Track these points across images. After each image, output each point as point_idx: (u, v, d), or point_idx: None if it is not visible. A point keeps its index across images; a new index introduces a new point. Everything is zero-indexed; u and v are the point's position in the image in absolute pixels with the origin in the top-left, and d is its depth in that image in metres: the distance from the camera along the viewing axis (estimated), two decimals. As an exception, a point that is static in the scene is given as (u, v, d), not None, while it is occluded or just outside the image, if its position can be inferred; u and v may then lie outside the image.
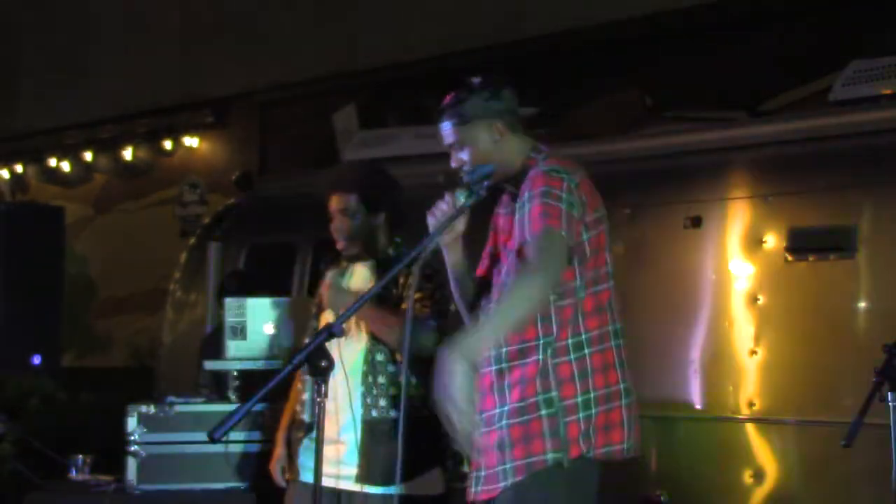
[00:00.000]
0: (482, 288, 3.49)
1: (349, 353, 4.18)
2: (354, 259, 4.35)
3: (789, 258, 4.92)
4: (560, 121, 7.64)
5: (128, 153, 10.98)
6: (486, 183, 3.34)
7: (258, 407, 4.67)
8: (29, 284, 6.24)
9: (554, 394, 3.24)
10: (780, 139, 5.28)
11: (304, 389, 4.30)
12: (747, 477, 4.91)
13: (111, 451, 5.29)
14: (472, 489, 3.33)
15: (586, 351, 3.27)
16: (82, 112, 11.30)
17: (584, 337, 3.28)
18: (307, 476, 4.22)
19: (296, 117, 9.87)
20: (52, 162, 11.54)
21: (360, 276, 4.33)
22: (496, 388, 3.29)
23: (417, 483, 4.12)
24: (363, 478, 4.12)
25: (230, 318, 5.04)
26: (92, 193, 11.51)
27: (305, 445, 4.25)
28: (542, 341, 3.25)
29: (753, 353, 4.95)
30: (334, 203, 4.32)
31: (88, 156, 11.30)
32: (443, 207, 3.37)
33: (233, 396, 4.90)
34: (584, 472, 3.27)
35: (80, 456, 5.09)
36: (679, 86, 7.42)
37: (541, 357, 3.25)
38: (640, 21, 7.58)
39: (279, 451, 4.38)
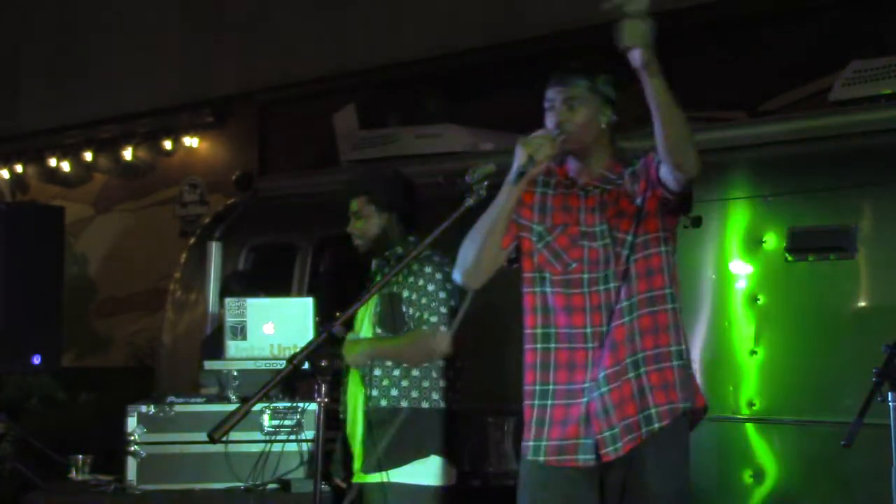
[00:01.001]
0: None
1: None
2: (370, 256, 4.54)
3: (789, 258, 4.92)
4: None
5: (128, 153, 10.98)
6: (486, 182, 3.35)
7: (258, 407, 4.67)
8: (29, 284, 6.24)
9: (683, 347, 3.51)
10: (780, 139, 5.27)
11: (342, 391, 4.47)
12: (747, 477, 4.91)
13: (111, 451, 5.29)
14: (608, 448, 3.43)
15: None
16: (82, 112, 11.30)
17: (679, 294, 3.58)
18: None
19: (296, 117, 9.87)
20: (52, 162, 11.54)
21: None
22: (627, 335, 3.45)
23: (409, 470, 4.22)
24: (363, 468, 4.29)
25: (230, 318, 5.04)
26: (92, 193, 11.51)
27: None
28: (669, 290, 3.50)
29: (753, 353, 4.95)
30: (352, 206, 4.52)
31: (88, 156, 11.30)
32: (539, 138, 3.46)
33: (233, 396, 4.89)
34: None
35: (80, 456, 5.08)
36: (679, 86, 7.41)
37: (670, 306, 3.49)
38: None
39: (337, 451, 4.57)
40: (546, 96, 3.61)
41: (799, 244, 4.89)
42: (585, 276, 3.50)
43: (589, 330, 3.48)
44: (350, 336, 4.43)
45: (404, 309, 4.29)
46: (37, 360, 6.20)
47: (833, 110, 5.25)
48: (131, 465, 4.76)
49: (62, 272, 6.74)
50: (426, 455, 4.26)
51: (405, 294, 4.31)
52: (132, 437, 4.77)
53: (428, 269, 4.34)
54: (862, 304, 4.82)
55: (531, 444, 3.53)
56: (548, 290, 3.55)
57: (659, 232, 3.51)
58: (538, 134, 3.46)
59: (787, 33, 7.15)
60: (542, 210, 3.61)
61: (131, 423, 4.79)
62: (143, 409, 4.82)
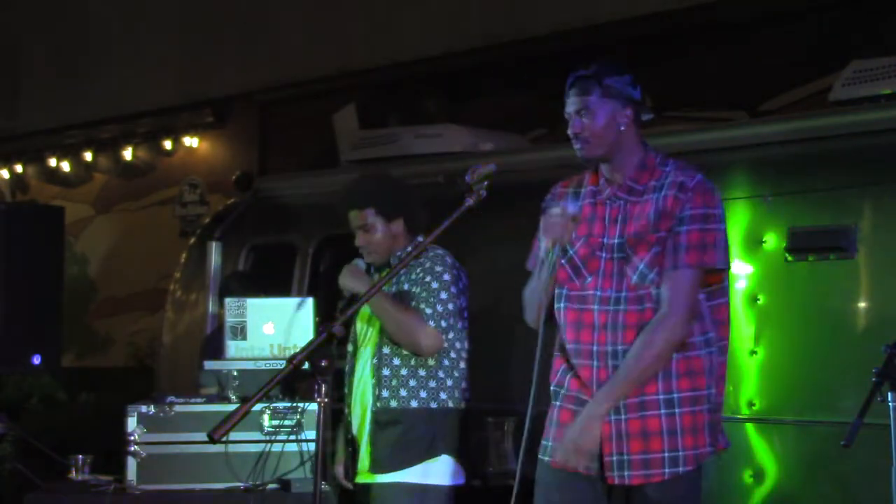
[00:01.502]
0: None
1: (365, 348, 4.40)
2: (382, 268, 4.46)
3: (789, 258, 4.92)
4: (560, 120, 7.64)
5: (128, 153, 10.98)
6: (486, 182, 3.34)
7: (258, 407, 4.66)
8: (29, 284, 6.24)
9: (713, 391, 3.46)
10: (780, 139, 5.27)
11: (347, 389, 4.49)
12: (747, 477, 4.91)
13: (111, 451, 5.29)
14: (614, 473, 3.41)
15: (721, 357, 3.54)
16: (82, 112, 11.30)
17: (723, 343, 3.55)
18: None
19: (296, 117, 9.87)
20: (52, 162, 11.54)
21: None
22: (661, 373, 3.41)
23: (421, 470, 4.22)
24: (371, 467, 4.29)
25: (230, 318, 5.04)
26: (92, 193, 11.51)
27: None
28: (702, 338, 3.45)
29: (753, 353, 4.95)
30: (353, 220, 4.43)
31: (88, 156, 11.30)
32: (558, 221, 3.47)
33: (233, 396, 4.89)
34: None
35: (80, 456, 5.08)
36: (679, 86, 7.42)
37: (705, 351, 3.44)
38: (640, 21, 7.58)
39: (340, 452, 4.56)
40: (565, 103, 3.59)
41: (799, 244, 4.89)
42: (598, 293, 3.46)
43: (595, 348, 3.46)
44: (358, 264, 4.40)
45: (412, 304, 4.29)
46: (37, 360, 6.19)
47: (833, 110, 5.25)
48: (131, 465, 4.76)
49: (62, 272, 6.73)
50: (436, 455, 4.27)
51: (412, 290, 4.32)
52: (132, 437, 4.77)
53: (438, 268, 4.33)
54: (862, 304, 4.81)
55: (542, 442, 3.57)
56: (562, 305, 3.55)
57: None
58: (555, 217, 3.47)
59: (787, 33, 7.15)
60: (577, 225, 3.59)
61: (131, 423, 4.78)
62: (143, 409, 4.81)
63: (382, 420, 4.28)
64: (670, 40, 7.47)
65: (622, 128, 3.49)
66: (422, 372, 4.30)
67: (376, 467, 4.27)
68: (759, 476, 4.89)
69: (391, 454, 4.24)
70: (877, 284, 4.78)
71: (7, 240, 6.18)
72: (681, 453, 3.38)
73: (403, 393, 4.27)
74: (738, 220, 5.12)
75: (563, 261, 3.52)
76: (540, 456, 3.55)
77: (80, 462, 5.05)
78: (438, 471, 4.28)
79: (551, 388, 3.57)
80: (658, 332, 3.34)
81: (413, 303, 4.29)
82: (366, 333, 4.46)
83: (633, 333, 3.40)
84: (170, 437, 4.80)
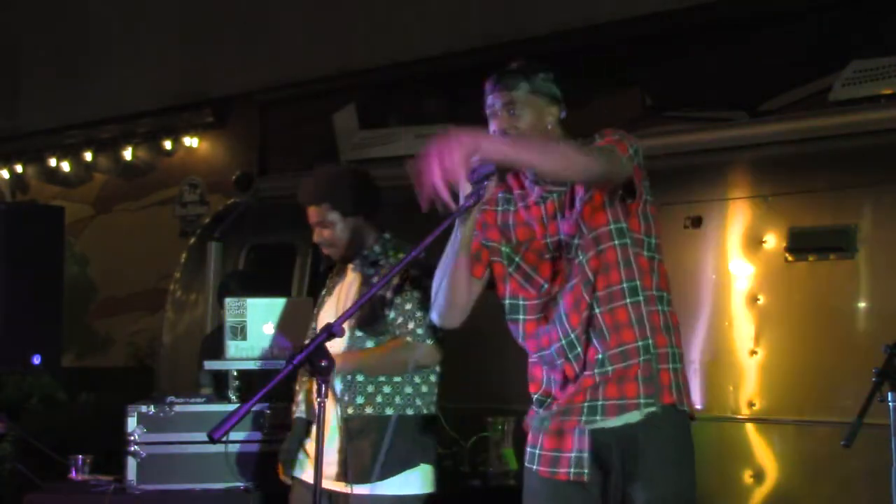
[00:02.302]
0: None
1: (336, 345, 4.13)
2: (346, 261, 4.36)
3: (789, 258, 4.92)
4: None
5: (128, 153, 10.98)
6: (486, 183, 3.32)
7: (258, 407, 4.67)
8: (29, 284, 6.25)
9: (650, 341, 3.29)
10: (780, 139, 5.28)
11: (299, 389, 4.32)
12: (747, 477, 4.91)
13: (111, 451, 5.29)
14: (583, 418, 3.29)
15: (668, 308, 3.36)
16: (82, 112, 11.30)
17: (665, 294, 3.36)
18: (304, 474, 4.26)
19: (296, 117, 9.86)
20: (52, 162, 11.53)
21: (349, 278, 4.34)
22: (635, 321, 3.29)
23: (399, 481, 4.11)
24: (342, 476, 4.12)
25: (230, 318, 5.04)
26: (92, 193, 11.51)
27: (303, 444, 4.29)
28: (626, 285, 3.30)
29: (753, 353, 4.95)
30: (311, 216, 4.34)
31: (88, 156, 11.30)
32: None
33: (233, 396, 4.89)
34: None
35: (80, 456, 5.08)
36: (679, 86, 7.41)
37: (629, 301, 3.29)
38: (640, 21, 7.58)
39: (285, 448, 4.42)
40: (486, 101, 3.48)
41: (799, 244, 4.90)
42: (567, 290, 3.33)
43: (562, 342, 3.33)
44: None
45: (387, 312, 4.16)
46: (37, 360, 6.20)
47: (833, 110, 5.25)
48: (131, 465, 4.76)
49: (62, 272, 6.75)
50: (415, 464, 4.16)
51: (389, 296, 4.17)
52: (132, 437, 4.77)
53: (415, 273, 4.22)
54: (862, 304, 4.82)
55: (528, 449, 3.44)
56: (520, 317, 3.43)
57: (609, 225, 3.29)
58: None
59: (787, 33, 7.14)
60: (505, 228, 3.48)
61: (131, 423, 4.79)
62: (143, 409, 4.82)
63: (356, 428, 4.10)
64: (670, 40, 7.47)
65: (549, 126, 3.42)
66: (396, 378, 4.15)
67: (351, 477, 4.09)
68: (759, 476, 4.89)
69: (369, 464, 4.08)
70: (877, 284, 4.79)
71: (7, 240, 6.19)
72: (599, 403, 3.26)
73: (379, 399, 4.12)
74: (738, 220, 5.12)
75: (510, 270, 3.42)
76: (527, 464, 3.43)
77: (80, 462, 5.06)
78: (416, 480, 4.15)
79: (534, 396, 3.44)
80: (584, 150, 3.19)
81: (397, 317, 4.15)
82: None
83: (576, 317, 3.28)
84: (170, 437, 4.80)
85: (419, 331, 4.15)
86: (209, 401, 4.93)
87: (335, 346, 3.96)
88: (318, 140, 8.80)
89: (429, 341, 4.15)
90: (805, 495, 4.85)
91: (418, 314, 4.16)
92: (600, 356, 3.28)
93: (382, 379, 4.14)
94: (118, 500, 4.74)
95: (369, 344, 4.16)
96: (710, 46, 7.36)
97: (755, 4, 7.21)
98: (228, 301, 5.08)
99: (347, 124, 7.41)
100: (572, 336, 3.30)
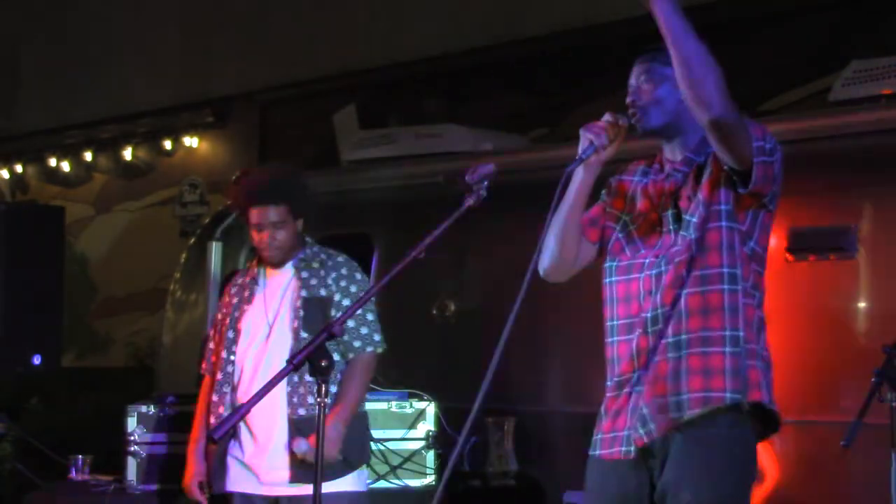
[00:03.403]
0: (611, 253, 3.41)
1: (276, 350, 4.11)
2: (276, 265, 4.27)
3: (789, 258, 4.92)
4: (560, 120, 7.64)
5: (128, 153, 10.98)
6: (486, 182, 3.32)
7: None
8: (29, 284, 6.24)
9: (741, 333, 3.20)
10: (780, 139, 5.26)
11: (225, 393, 4.21)
12: (747, 477, 4.90)
13: (111, 451, 5.29)
14: (639, 431, 3.19)
15: (761, 312, 3.30)
16: (82, 112, 11.30)
17: (759, 296, 3.28)
18: (238, 486, 4.12)
19: (296, 117, 9.87)
20: (52, 162, 11.54)
21: (278, 281, 4.26)
22: (728, 308, 3.21)
23: (355, 478, 4.13)
24: (294, 478, 4.03)
25: (230, 318, 5.03)
26: (92, 193, 11.51)
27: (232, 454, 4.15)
28: (726, 270, 3.23)
29: (753, 353, 4.95)
30: (260, 216, 4.18)
31: (88, 156, 11.30)
32: (602, 125, 3.31)
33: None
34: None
35: (80, 456, 5.08)
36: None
37: (727, 287, 3.22)
38: (640, 21, 7.56)
39: (194, 465, 4.20)
40: (629, 83, 3.45)
41: (799, 244, 4.89)
42: (647, 261, 3.28)
43: (648, 315, 3.23)
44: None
45: (334, 313, 4.10)
46: (37, 360, 6.19)
47: (833, 110, 5.25)
48: (131, 465, 4.77)
49: (62, 272, 6.73)
50: (365, 461, 4.20)
51: (337, 298, 4.15)
52: (132, 437, 4.77)
53: (359, 276, 4.23)
54: (862, 304, 4.81)
55: (592, 438, 3.35)
56: (613, 279, 3.35)
57: (721, 205, 3.24)
58: (606, 119, 3.31)
59: (787, 33, 7.15)
60: (633, 199, 3.42)
61: (131, 423, 4.79)
62: (143, 409, 4.82)
63: (306, 429, 3.97)
64: (670, 40, 7.46)
65: (681, 102, 3.28)
66: (339, 377, 4.11)
67: (299, 477, 3.99)
68: (759, 476, 4.88)
69: (329, 463, 3.96)
70: (877, 284, 4.78)
71: (7, 240, 6.18)
72: (685, 396, 3.15)
73: (328, 399, 4.09)
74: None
75: (620, 235, 3.37)
76: (590, 453, 3.34)
77: (80, 462, 5.06)
78: (362, 477, 4.19)
79: (616, 380, 3.30)
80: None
81: (358, 325, 4.13)
82: (266, 326, 4.19)
83: (671, 293, 3.20)
84: (170, 437, 4.80)
85: (376, 336, 4.19)
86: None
87: (275, 393, 3.65)
88: (318, 140, 8.80)
89: (379, 349, 4.17)
90: (805, 495, 4.85)
91: (370, 317, 4.17)
92: (675, 339, 3.18)
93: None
94: (118, 500, 4.74)
95: None
96: (710, 46, 7.35)
97: (755, 4, 7.22)
98: (228, 301, 5.07)
99: (347, 124, 7.41)
100: (659, 311, 3.21)
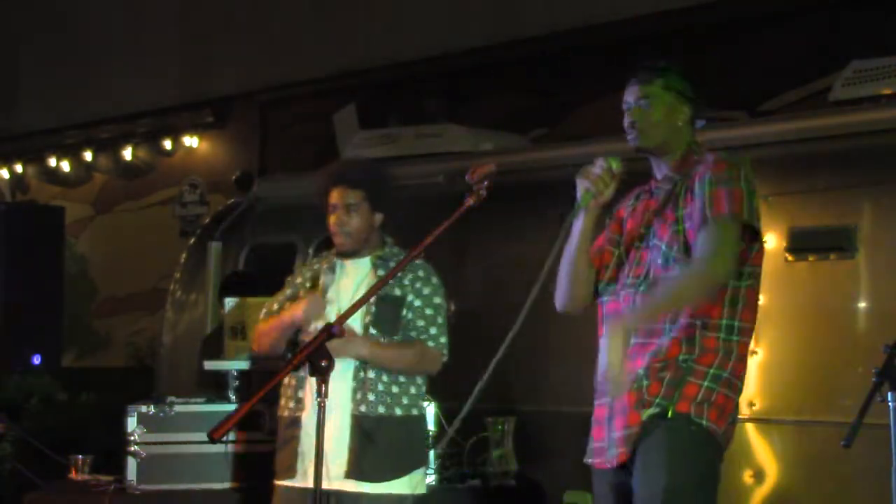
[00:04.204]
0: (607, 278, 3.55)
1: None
2: (347, 256, 4.27)
3: (789, 258, 4.92)
4: (560, 120, 7.64)
5: (128, 153, 10.98)
6: (486, 182, 3.32)
7: (258, 407, 4.66)
8: (29, 285, 6.25)
9: (691, 356, 3.34)
10: (780, 139, 5.27)
11: (298, 386, 4.17)
12: (747, 477, 4.90)
13: (111, 451, 5.29)
14: (605, 457, 3.39)
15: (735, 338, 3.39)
16: (82, 112, 11.30)
17: (737, 324, 3.38)
18: (298, 479, 4.11)
19: (296, 117, 9.87)
20: (52, 162, 11.54)
21: (352, 274, 4.26)
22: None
23: (409, 480, 4.11)
24: (352, 474, 4.05)
25: (230, 318, 5.05)
26: (92, 193, 11.51)
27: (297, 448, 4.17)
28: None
29: (753, 353, 4.94)
30: (337, 197, 4.21)
31: (88, 156, 11.30)
32: (596, 171, 3.41)
33: (233, 396, 4.90)
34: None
35: (80, 456, 5.08)
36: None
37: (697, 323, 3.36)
38: (640, 21, 7.58)
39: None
40: (623, 99, 3.54)
41: (799, 244, 4.89)
42: (629, 280, 3.43)
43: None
44: (329, 280, 4.22)
45: (405, 313, 4.15)
46: (37, 360, 6.20)
47: (833, 110, 5.25)
48: (131, 465, 4.76)
49: (62, 272, 6.75)
50: (423, 464, 4.19)
51: (410, 299, 4.16)
52: (132, 437, 4.77)
53: (435, 280, 4.22)
54: (862, 304, 4.81)
55: (587, 445, 3.51)
56: (605, 298, 3.52)
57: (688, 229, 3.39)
58: (595, 167, 3.41)
59: (787, 33, 7.15)
60: (625, 222, 3.58)
61: (131, 423, 4.79)
62: (143, 409, 4.82)
63: (367, 426, 4.05)
64: (670, 40, 7.47)
65: (679, 124, 3.49)
66: (402, 378, 4.14)
67: (361, 476, 4.04)
68: (759, 476, 4.89)
69: (382, 463, 4.04)
70: (877, 284, 4.78)
71: (7, 240, 6.19)
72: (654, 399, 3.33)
73: (388, 399, 4.09)
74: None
75: (615, 256, 3.53)
76: (585, 460, 3.50)
77: (80, 462, 5.06)
78: (421, 480, 4.18)
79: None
80: (683, 269, 3.29)
81: (420, 321, 4.16)
82: (335, 317, 4.16)
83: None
84: (170, 437, 4.81)
85: (442, 339, 4.19)
86: (209, 401, 4.93)
87: (342, 389, 4.02)
88: (318, 140, 8.80)
89: (445, 351, 4.18)
90: (805, 495, 4.85)
91: (440, 320, 4.18)
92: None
93: (386, 379, 4.11)
94: (118, 500, 4.74)
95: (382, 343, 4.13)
96: (710, 46, 7.37)
97: (755, 4, 7.22)
98: (228, 301, 5.08)
99: (347, 124, 7.41)
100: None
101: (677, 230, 3.36)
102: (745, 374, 3.42)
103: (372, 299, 4.02)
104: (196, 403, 4.90)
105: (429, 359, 4.17)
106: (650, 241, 3.42)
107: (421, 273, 4.21)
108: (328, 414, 3.91)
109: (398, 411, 4.10)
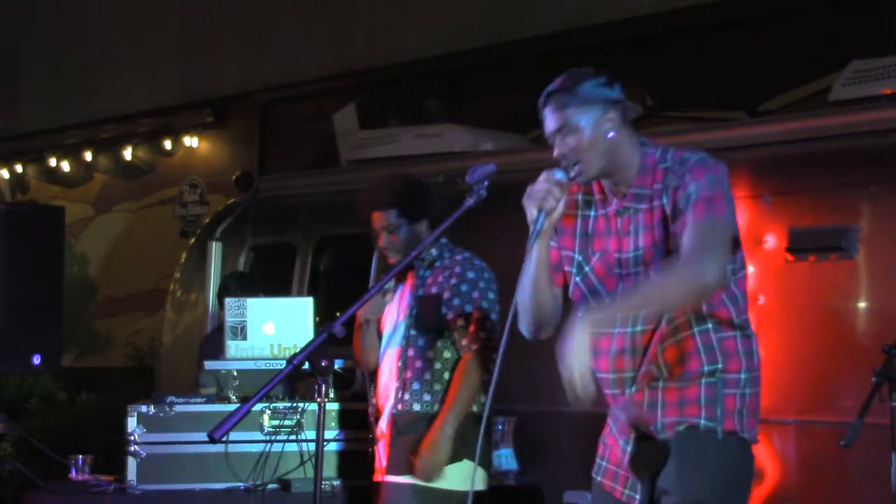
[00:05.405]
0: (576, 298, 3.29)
1: (393, 352, 4.33)
2: (407, 268, 4.38)
3: (789, 258, 4.92)
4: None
5: (128, 153, 10.98)
6: (486, 182, 3.31)
7: (258, 407, 4.67)
8: (29, 284, 6.24)
9: (718, 366, 3.12)
10: (780, 139, 5.28)
11: (370, 389, 4.43)
12: (747, 477, 4.90)
13: (111, 451, 5.30)
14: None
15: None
16: (82, 112, 11.30)
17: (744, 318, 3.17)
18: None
19: (296, 117, 9.87)
20: (53, 162, 11.54)
21: (409, 282, 4.39)
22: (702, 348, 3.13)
23: (457, 474, 4.17)
24: (390, 469, 4.24)
25: (230, 318, 5.04)
26: (92, 193, 11.51)
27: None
28: (691, 314, 3.15)
29: (753, 353, 4.95)
30: (377, 221, 4.39)
31: (88, 156, 11.30)
32: (542, 186, 3.10)
33: (233, 396, 4.90)
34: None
35: (80, 456, 5.08)
36: (679, 86, 7.42)
37: (696, 329, 3.15)
38: (640, 21, 7.58)
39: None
40: (544, 127, 3.27)
41: (799, 244, 4.89)
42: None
43: (612, 376, 3.18)
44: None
45: (444, 311, 4.23)
46: (37, 360, 6.19)
47: (833, 110, 5.25)
48: (131, 465, 4.76)
49: (62, 272, 6.73)
50: (459, 459, 4.20)
51: (447, 296, 4.24)
52: (132, 437, 4.77)
53: (471, 275, 4.27)
54: (862, 304, 4.82)
55: (596, 461, 3.35)
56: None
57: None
58: (540, 183, 3.11)
59: (787, 33, 7.15)
60: (583, 236, 3.26)
61: (131, 423, 4.79)
62: (143, 409, 4.82)
63: (402, 423, 4.23)
64: (670, 40, 7.47)
65: (609, 135, 3.16)
66: (447, 376, 4.24)
67: (396, 469, 4.22)
68: (758, 476, 4.89)
69: (408, 456, 4.18)
70: (877, 284, 4.78)
71: (7, 240, 6.18)
72: (660, 422, 3.13)
73: (427, 397, 4.22)
74: (738, 220, 5.12)
75: (577, 279, 3.26)
76: (593, 475, 3.34)
77: (80, 462, 5.06)
78: (456, 475, 4.19)
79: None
80: (672, 266, 3.02)
81: (452, 313, 4.22)
82: (390, 334, 4.40)
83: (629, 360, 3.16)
84: (170, 437, 4.80)
85: (480, 333, 4.22)
86: (209, 401, 4.93)
87: (394, 355, 4.25)
88: (318, 140, 8.81)
89: (489, 343, 4.22)
90: (805, 495, 4.85)
91: (493, 317, 4.23)
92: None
93: (429, 377, 4.23)
94: (118, 500, 4.74)
95: (420, 342, 4.25)
96: (710, 46, 7.37)
97: (755, 4, 7.22)
98: (228, 301, 5.08)
99: (347, 124, 7.41)
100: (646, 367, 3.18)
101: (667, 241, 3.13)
102: (756, 363, 3.20)
103: (412, 300, 4.26)
104: (196, 403, 4.90)
105: (476, 366, 4.21)
106: (636, 268, 3.16)
107: (458, 269, 4.29)
108: (383, 416, 4.27)
109: (437, 408, 4.21)
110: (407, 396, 4.22)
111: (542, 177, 3.12)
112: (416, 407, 4.22)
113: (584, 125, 3.16)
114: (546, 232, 3.13)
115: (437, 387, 4.23)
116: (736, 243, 3.18)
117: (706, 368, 3.11)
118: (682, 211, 3.07)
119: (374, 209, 4.40)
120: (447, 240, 4.38)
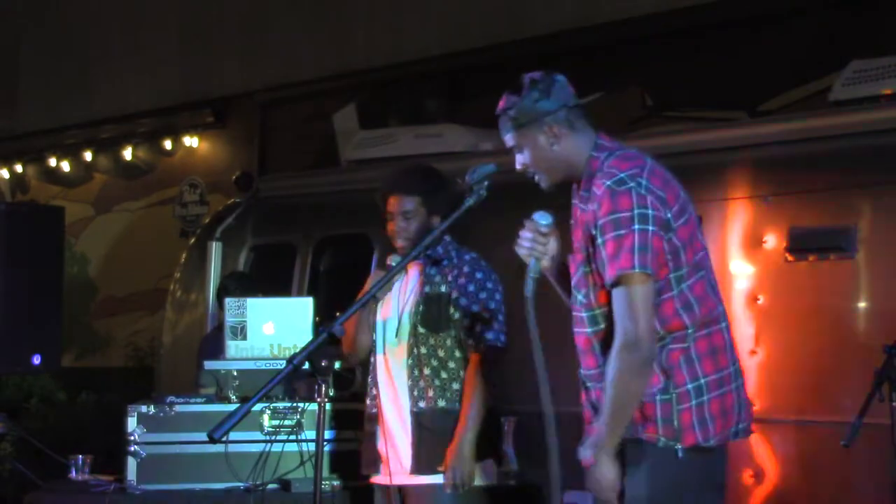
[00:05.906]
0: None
1: (396, 347, 4.30)
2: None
3: (789, 258, 4.92)
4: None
5: (128, 153, 10.98)
6: (486, 182, 3.32)
7: (258, 407, 4.67)
8: (29, 284, 6.24)
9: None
10: (780, 139, 5.28)
11: (373, 383, 4.36)
12: (747, 477, 4.91)
13: (111, 451, 5.29)
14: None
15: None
16: (82, 112, 11.30)
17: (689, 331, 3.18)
18: (377, 477, 4.34)
19: (296, 117, 9.87)
20: (53, 162, 11.54)
21: (411, 276, 4.38)
22: (595, 348, 3.27)
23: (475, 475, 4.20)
24: (415, 469, 4.21)
25: (230, 318, 5.04)
26: (92, 193, 11.51)
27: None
28: (599, 310, 3.25)
29: (753, 353, 4.95)
30: (394, 204, 4.34)
31: (88, 156, 11.30)
32: (527, 235, 3.26)
33: (233, 396, 4.89)
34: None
35: (80, 456, 5.08)
36: (679, 86, 7.41)
37: (590, 329, 3.29)
38: (640, 21, 7.58)
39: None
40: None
41: (799, 244, 4.90)
42: (581, 315, 3.29)
43: (587, 372, 3.36)
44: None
45: (452, 312, 4.24)
46: (37, 360, 6.19)
47: (833, 110, 5.25)
48: (131, 465, 4.76)
49: (62, 272, 6.73)
50: (482, 458, 4.25)
51: (455, 296, 4.25)
52: (132, 437, 4.77)
53: (479, 275, 4.28)
54: (862, 304, 4.82)
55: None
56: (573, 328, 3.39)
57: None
58: (525, 233, 3.26)
59: (787, 33, 7.15)
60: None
61: (131, 423, 4.79)
62: (143, 409, 4.82)
63: (427, 422, 4.22)
64: (670, 40, 7.47)
65: (555, 147, 3.26)
66: (462, 374, 4.25)
67: (420, 468, 4.21)
68: (759, 476, 4.89)
69: (434, 455, 4.18)
70: (877, 284, 4.79)
71: (7, 240, 6.18)
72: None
73: (449, 395, 4.23)
74: (738, 220, 5.12)
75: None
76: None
77: (80, 462, 5.06)
78: (483, 472, 4.27)
79: (713, 376, 3.31)
80: (610, 364, 3.13)
81: (476, 325, 4.23)
82: (393, 331, 4.36)
83: (591, 359, 3.31)
84: (170, 437, 4.80)
85: (488, 335, 4.23)
86: (209, 401, 4.93)
87: (398, 351, 4.22)
88: (318, 140, 8.80)
89: (497, 343, 4.24)
90: (805, 495, 4.86)
91: (485, 315, 4.23)
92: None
93: (446, 375, 4.24)
94: (118, 500, 4.74)
95: (431, 341, 4.24)
96: (710, 46, 7.37)
97: (755, 4, 7.22)
98: (228, 301, 5.08)
99: (347, 124, 7.41)
100: (585, 374, 3.37)
101: (586, 272, 3.22)
102: (728, 359, 3.24)
103: (419, 298, 4.24)
104: (196, 403, 4.90)
105: (486, 370, 4.22)
106: (585, 266, 3.25)
107: (466, 269, 4.29)
108: (387, 413, 4.25)
109: (458, 406, 4.22)
110: (431, 393, 4.20)
111: (527, 225, 3.26)
112: (442, 403, 4.21)
113: (528, 145, 3.30)
114: (549, 270, 3.30)
115: (456, 385, 4.23)
116: (676, 254, 3.16)
117: (659, 388, 3.17)
118: (598, 250, 3.13)
119: (396, 192, 4.34)
120: (451, 238, 4.37)
